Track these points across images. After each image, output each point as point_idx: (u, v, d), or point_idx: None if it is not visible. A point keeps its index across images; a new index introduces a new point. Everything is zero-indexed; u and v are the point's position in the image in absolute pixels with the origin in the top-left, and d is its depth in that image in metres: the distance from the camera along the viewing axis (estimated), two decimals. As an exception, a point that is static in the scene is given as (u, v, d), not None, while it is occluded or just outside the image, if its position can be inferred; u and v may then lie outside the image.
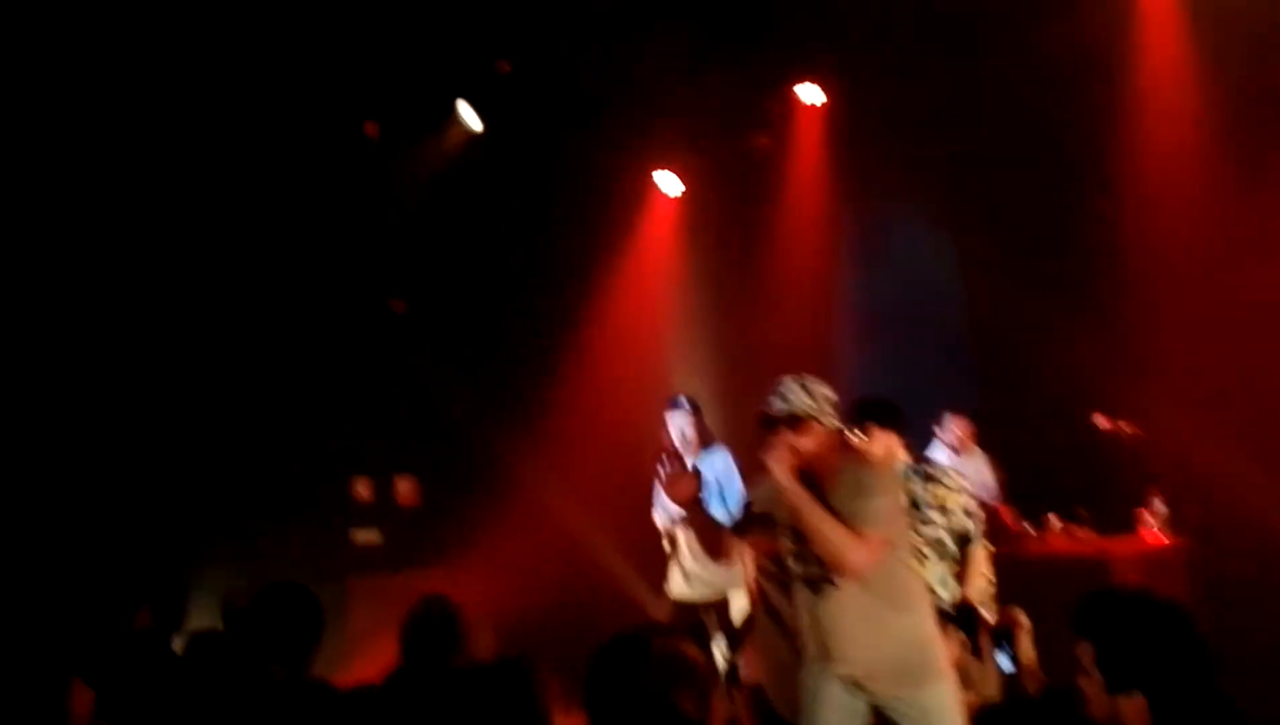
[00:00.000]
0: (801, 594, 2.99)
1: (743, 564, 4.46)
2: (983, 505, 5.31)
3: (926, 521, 3.38)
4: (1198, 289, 5.28)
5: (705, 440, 4.53)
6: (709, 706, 1.83)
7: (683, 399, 4.57)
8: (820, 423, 2.89)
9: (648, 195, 7.55)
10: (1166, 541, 4.80)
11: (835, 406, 2.95)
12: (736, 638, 4.17)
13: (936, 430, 5.54)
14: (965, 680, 2.81)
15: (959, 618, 2.39)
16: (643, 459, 7.10)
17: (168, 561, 4.70)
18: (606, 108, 6.65)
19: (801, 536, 2.90)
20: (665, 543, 4.63)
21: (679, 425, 4.49)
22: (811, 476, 2.86)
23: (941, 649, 2.89)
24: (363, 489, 7.09)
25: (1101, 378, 5.41)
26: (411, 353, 7.06)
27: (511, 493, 6.83)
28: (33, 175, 5.49)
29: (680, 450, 4.48)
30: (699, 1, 6.04)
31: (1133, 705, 1.94)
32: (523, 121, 6.90)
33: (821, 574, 2.88)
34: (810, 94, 6.84)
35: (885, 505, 2.83)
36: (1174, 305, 5.37)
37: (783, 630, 5.19)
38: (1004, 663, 2.32)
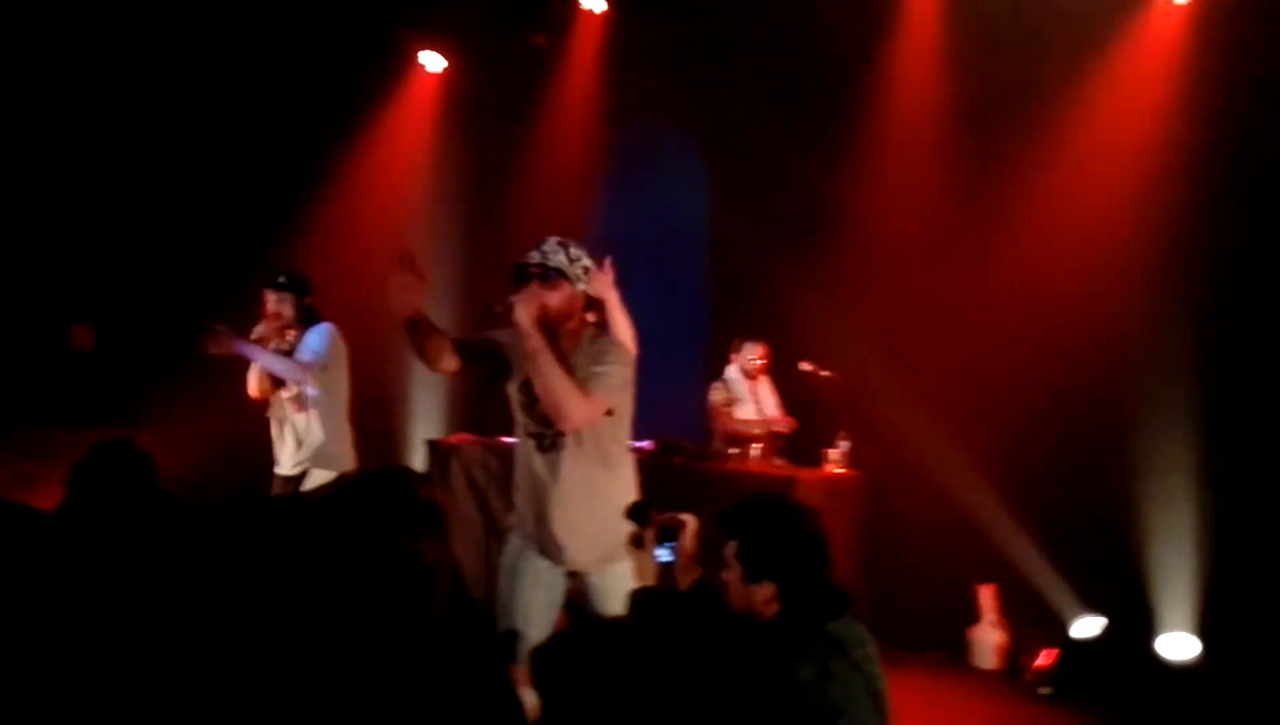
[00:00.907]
0: (524, 451, 3.06)
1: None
2: (763, 425, 5.60)
3: None
4: (914, 263, 5.73)
5: (307, 315, 4.52)
6: (448, 554, 1.80)
7: (283, 278, 4.53)
8: (571, 283, 2.97)
9: (409, 71, 7.21)
10: (845, 474, 5.24)
11: (589, 273, 3.03)
12: None
13: (733, 355, 5.82)
14: None
15: (632, 511, 2.55)
16: (371, 343, 6.91)
17: None
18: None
19: (534, 392, 2.95)
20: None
21: (274, 303, 4.47)
22: (554, 334, 2.92)
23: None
24: (25, 330, 6.35)
25: (820, 328, 5.80)
26: (118, 192, 6.38)
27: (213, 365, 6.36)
28: None
29: (274, 327, 4.47)
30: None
31: (763, 592, 2.17)
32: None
33: (547, 432, 2.98)
34: (593, 2, 6.77)
35: (617, 374, 2.95)
36: (891, 273, 5.82)
37: (483, 508, 5.22)
38: (664, 554, 2.51)
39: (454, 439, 5.71)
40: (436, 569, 1.75)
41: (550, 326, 2.92)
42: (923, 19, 5.90)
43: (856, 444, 5.36)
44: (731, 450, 5.39)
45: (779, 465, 5.30)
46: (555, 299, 2.93)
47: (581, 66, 7.00)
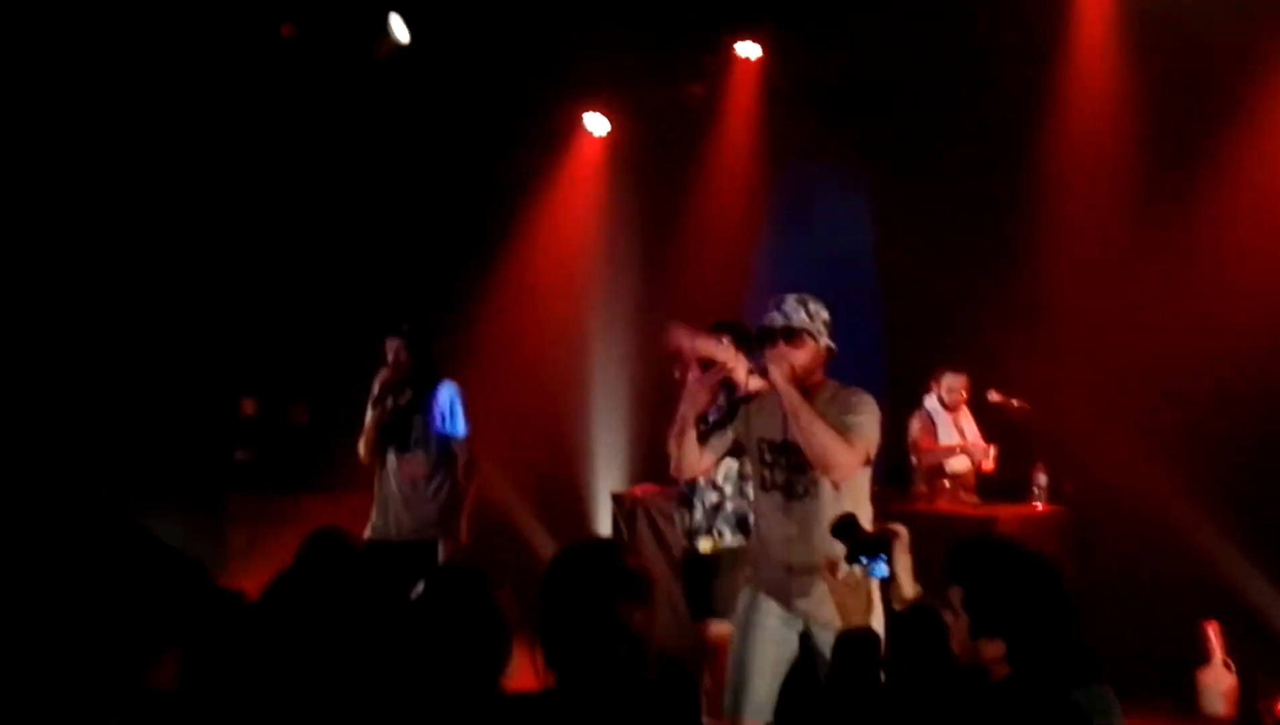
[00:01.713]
0: (771, 504, 3.09)
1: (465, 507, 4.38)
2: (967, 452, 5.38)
3: None
4: (1103, 278, 5.47)
5: (426, 370, 4.44)
6: (652, 622, 1.86)
7: (406, 325, 4.48)
8: (815, 339, 3.03)
9: (575, 133, 7.46)
10: (1045, 509, 5.00)
11: (829, 327, 3.08)
12: None
13: (934, 384, 5.63)
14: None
15: (838, 527, 2.47)
16: (553, 400, 7.14)
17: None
18: (540, 39, 6.54)
19: (779, 447, 3.02)
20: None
21: (393, 349, 4.42)
22: (801, 390, 2.97)
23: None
24: (249, 408, 6.88)
25: (1003, 355, 5.59)
26: (318, 276, 6.87)
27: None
28: None
29: (391, 372, 4.41)
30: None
31: (992, 649, 2.01)
32: (453, 46, 6.73)
33: (795, 481, 3.01)
34: (747, 49, 6.83)
35: (872, 424, 2.99)
36: (1079, 291, 5.56)
37: (669, 559, 5.25)
38: (880, 569, 2.37)
39: (638, 491, 5.79)
40: (646, 637, 1.83)
41: (799, 383, 2.97)
42: (1095, 34, 5.66)
43: (1055, 476, 5.11)
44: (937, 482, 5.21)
45: (971, 503, 5.11)
46: (801, 357, 3.00)
47: (740, 112, 7.07)
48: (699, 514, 4.11)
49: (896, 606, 2.34)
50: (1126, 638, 4.82)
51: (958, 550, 2.13)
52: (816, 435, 2.89)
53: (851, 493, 2.99)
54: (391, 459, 4.44)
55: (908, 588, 2.33)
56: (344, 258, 6.86)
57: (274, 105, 6.48)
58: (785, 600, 3.03)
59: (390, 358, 4.42)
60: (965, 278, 5.89)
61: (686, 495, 4.19)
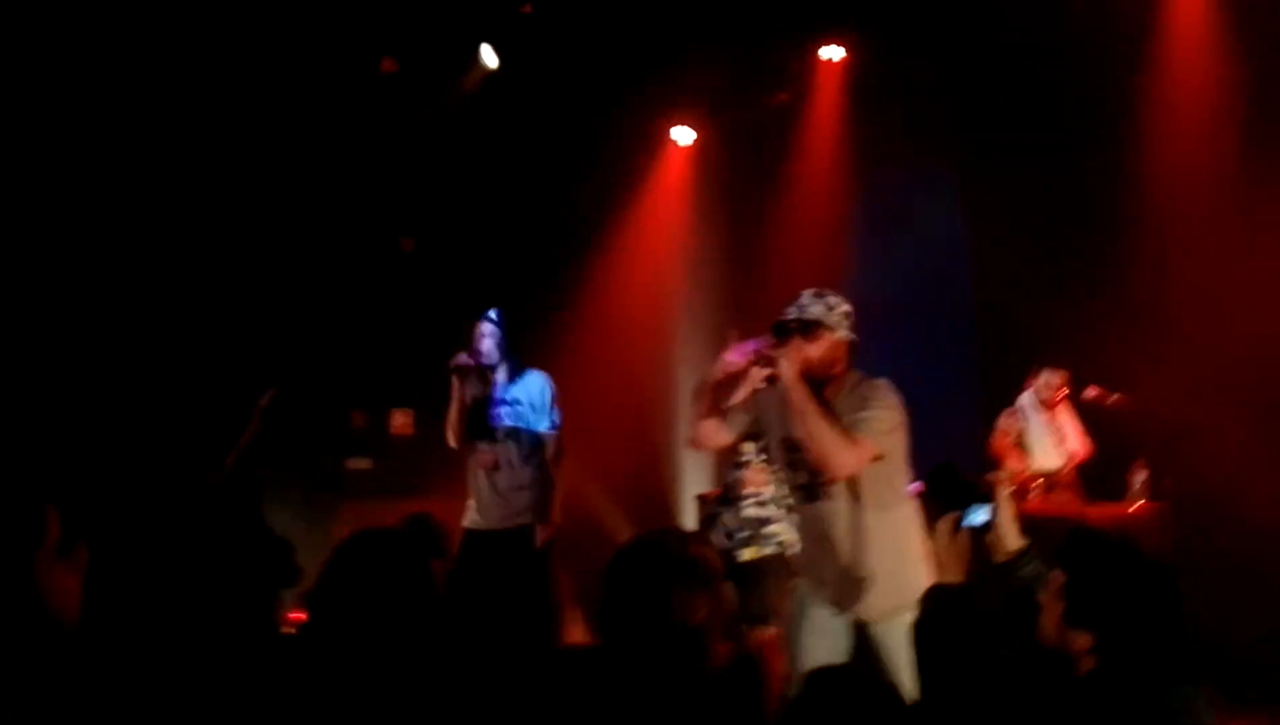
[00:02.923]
0: (796, 503, 3.10)
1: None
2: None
3: None
4: (1208, 267, 5.28)
5: (514, 358, 4.34)
6: (717, 614, 1.87)
7: (492, 313, 4.39)
8: (832, 332, 2.95)
9: (663, 147, 7.56)
10: (1143, 507, 4.85)
11: (849, 319, 3.00)
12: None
13: (1030, 382, 5.51)
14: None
15: (932, 478, 2.35)
16: (641, 404, 7.23)
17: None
18: (625, 57, 6.67)
19: (797, 445, 2.97)
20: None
21: (484, 335, 4.34)
22: (818, 384, 2.92)
23: (925, 576, 2.89)
24: (359, 420, 7.15)
25: (1102, 351, 5.43)
26: (418, 291, 7.13)
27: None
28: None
29: (484, 360, 4.33)
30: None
31: (1080, 641, 1.95)
32: (541, 66, 6.92)
33: (815, 482, 2.97)
34: (832, 52, 6.83)
35: (883, 418, 2.89)
36: (1183, 282, 5.39)
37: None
38: (980, 515, 2.25)
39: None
40: (709, 627, 1.83)
41: (814, 377, 2.90)
42: (1193, 20, 5.49)
43: (1156, 473, 4.95)
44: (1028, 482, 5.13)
45: (1064, 501, 5.00)
46: (817, 350, 2.92)
47: (825, 116, 7.07)
48: (741, 523, 4.16)
49: (998, 558, 2.26)
50: (1229, 642, 4.62)
51: (1072, 537, 2.08)
52: (817, 433, 2.81)
53: (875, 492, 2.91)
54: (478, 447, 4.37)
55: (1011, 539, 2.23)
56: (441, 268, 7.11)
57: (377, 126, 6.76)
58: (825, 599, 3.00)
59: (475, 343, 4.34)
60: (1061, 273, 5.77)
61: (730, 497, 4.23)
